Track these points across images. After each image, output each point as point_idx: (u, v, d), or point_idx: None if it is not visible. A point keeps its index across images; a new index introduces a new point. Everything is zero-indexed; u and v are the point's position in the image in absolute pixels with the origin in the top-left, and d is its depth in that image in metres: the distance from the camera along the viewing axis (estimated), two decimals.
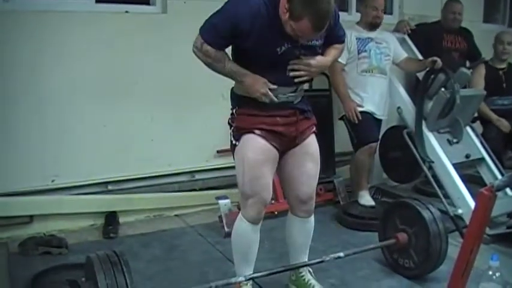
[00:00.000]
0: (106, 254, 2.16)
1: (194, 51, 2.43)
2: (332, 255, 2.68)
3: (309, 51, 2.45)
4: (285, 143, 2.56)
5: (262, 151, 2.48)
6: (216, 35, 2.35)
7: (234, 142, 2.56)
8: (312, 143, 2.65)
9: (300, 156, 2.61)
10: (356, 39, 4.11)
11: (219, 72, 2.46)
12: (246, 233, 2.56)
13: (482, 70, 4.69)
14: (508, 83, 4.70)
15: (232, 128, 2.58)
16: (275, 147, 2.52)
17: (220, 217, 3.69)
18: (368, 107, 4.13)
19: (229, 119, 2.61)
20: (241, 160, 2.50)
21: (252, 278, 2.64)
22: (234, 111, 2.58)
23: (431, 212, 3.00)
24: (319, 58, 2.51)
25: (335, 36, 2.60)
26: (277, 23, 2.29)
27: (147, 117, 3.97)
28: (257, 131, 2.48)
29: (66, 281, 2.79)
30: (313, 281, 2.83)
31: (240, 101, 2.54)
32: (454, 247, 2.94)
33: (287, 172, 2.66)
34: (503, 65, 4.74)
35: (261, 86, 2.40)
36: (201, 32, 2.38)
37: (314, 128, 2.68)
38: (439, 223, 2.96)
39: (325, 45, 2.55)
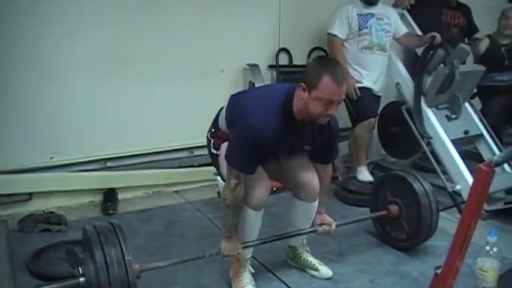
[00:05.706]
0: (102, 224, 2.21)
1: (226, 197, 2.41)
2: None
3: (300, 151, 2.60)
4: None
5: None
6: (251, 163, 2.37)
7: (215, 152, 2.62)
8: None
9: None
10: (357, 15, 4.06)
11: (229, 219, 2.48)
12: (249, 220, 2.54)
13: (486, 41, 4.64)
14: (511, 60, 4.66)
15: (212, 141, 2.64)
16: None
17: (218, 193, 3.69)
18: (367, 83, 4.11)
19: (210, 134, 2.67)
20: None
21: (246, 247, 2.62)
22: (214, 131, 2.63)
23: (422, 184, 3.05)
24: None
25: (327, 154, 2.69)
26: (289, 125, 2.34)
27: (147, 94, 3.95)
28: None
29: (64, 252, 2.84)
30: (310, 258, 2.86)
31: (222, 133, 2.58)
32: (452, 223, 2.95)
33: (281, 162, 2.67)
34: (506, 41, 4.69)
35: (230, 250, 2.51)
36: (235, 166, 2.35)
37: None
38: (430, 195, 3.01)
39: (314, 156, 2.66)
